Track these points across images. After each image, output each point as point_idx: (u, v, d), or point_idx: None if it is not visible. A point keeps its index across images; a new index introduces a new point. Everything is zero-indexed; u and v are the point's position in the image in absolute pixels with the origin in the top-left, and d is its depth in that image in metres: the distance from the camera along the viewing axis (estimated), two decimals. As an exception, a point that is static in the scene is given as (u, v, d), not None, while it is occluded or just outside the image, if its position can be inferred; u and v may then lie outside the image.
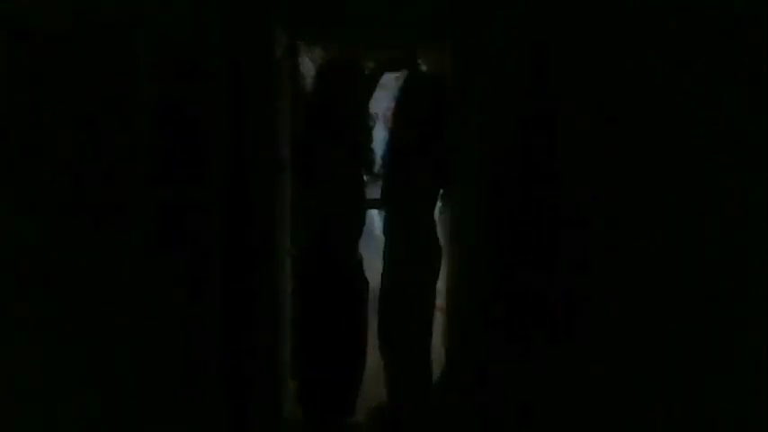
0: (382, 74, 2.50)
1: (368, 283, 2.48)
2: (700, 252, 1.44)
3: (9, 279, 1.65)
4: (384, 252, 2.42)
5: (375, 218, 6.14)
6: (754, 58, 1.19)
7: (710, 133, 1.42)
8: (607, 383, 2.14)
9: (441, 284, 2.58)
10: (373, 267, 2.55)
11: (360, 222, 2.44)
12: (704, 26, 1.42)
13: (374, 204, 2.54)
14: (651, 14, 2.11)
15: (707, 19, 1.40)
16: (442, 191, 2.47)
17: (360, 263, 2.45)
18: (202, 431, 2.22)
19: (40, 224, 2.10)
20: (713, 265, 1.40)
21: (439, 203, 2.53)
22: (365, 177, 2.46)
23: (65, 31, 2.05)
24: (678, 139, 2.12)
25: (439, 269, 2.44)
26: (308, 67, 2.82)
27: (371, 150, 2.47)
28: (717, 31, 1.36)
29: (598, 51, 2.13)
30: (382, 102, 3.28)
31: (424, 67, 2.75)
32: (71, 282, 2.13)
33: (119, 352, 2.16)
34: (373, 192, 2.58)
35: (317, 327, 2.38)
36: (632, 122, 2.15)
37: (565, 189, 2.20)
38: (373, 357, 2.50)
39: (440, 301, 2.59)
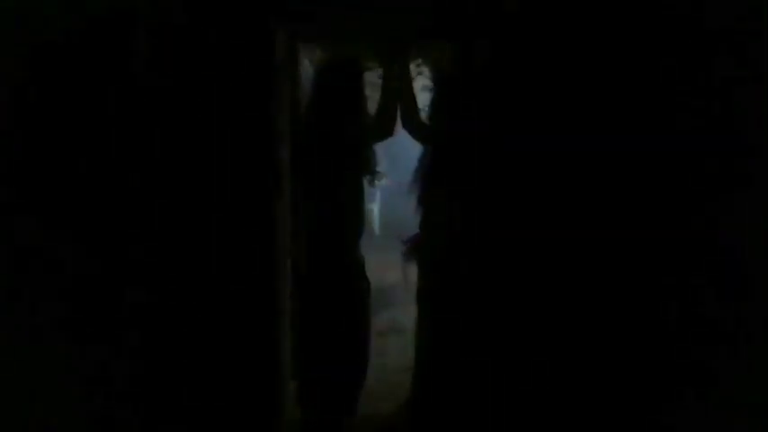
0: (399, 68, 2.43)
1: (369, 282, 2.48)
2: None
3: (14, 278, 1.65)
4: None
5: (375, 218, 6.16)
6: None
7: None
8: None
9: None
10: (374, 267, 2.55)
11: (360, 222, 2.43)
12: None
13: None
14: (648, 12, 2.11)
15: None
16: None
17: (362, 263, 2.45)
18: (203, 431, 2.22)
19: (39, 225, 2.10)
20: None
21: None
22: (365, 177, 2.45)
23: (62, 31, 2.05)
24: (680, 140, 2.12)
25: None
26: (307, 68, 2.82)
27: (371, 150, 2.47)
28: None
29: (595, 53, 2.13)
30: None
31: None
32: (70, 283, 2.13)
33: (118, 352, 2.16)
34: (371, 191, 2.57)
35: (319, 327, 2.38)
36: (631, 122, 2.15)
37: (561, 188, 2.20)
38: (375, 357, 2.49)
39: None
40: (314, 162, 2.36)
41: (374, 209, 6.04)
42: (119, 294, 2.13)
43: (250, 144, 2.18)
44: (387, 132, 2.45)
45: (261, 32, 2.19)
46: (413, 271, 2.57)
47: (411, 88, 2.43)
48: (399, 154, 2.52)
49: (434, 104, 2.39)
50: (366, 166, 2.44)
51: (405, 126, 2.45)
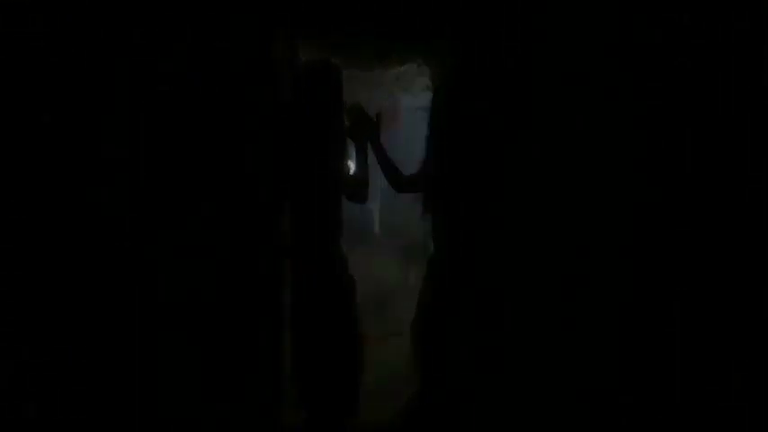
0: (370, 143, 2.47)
1: (354, 279, 2.49)
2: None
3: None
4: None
5: (375, 218, 6.15)
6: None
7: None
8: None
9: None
10: (374, 269, 2.54)
11: (338, 220, 2.45)
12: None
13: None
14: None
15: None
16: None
17: (344, 260, 2.46)
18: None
19: (34, 224, 2.08)
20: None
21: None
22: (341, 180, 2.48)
23: (61, 31, 2.04)
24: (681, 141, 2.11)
25: None
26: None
27: (346, 151, 2.49)
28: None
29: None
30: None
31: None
32: (71, 285, 2.12)
33: (119, 352, 2.16)
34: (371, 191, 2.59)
35: (307, 325, 2.39)
36: (629, 124, 2.15)
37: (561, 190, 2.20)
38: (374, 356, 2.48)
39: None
40: (292, 162, 2.38)
41: (374, 209, 6.02)
42: (117, 294, 2.13)
43: (251, 144, 2.18)
44: (360, 200, 2.55)
45: (261, 32, 2.19)
46: (413, 273, 2.57)
47: (386, 158, 2.50)
48: (400, 154, 2.52)
49: (434, 109, 2.39)
50: (341, 170, 2.47)
51: (392, 187, 2.54)
